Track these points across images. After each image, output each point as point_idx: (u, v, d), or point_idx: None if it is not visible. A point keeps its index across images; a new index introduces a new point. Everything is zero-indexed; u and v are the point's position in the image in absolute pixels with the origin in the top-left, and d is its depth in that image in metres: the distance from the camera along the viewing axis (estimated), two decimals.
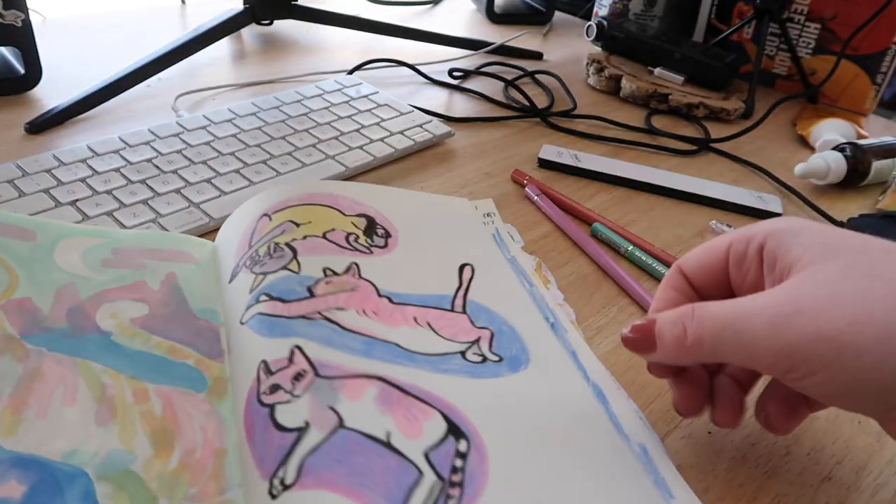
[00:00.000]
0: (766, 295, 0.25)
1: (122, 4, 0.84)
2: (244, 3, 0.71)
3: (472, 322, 0.36)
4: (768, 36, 0.81)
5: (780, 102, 0.75)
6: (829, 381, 0.23)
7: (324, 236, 0.37)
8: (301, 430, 0.27)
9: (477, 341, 0.35)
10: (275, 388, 0.29)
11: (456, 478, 0.27)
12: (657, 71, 0.77)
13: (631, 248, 0.47)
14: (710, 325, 0.26)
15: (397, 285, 0.36)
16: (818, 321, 0.22)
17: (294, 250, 0.36)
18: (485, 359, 0.34)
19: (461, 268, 0.39)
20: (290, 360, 0.30)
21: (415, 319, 0.34)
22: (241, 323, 0.33)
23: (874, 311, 0.22)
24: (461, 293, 0.38)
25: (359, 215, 0.40)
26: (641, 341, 0.29)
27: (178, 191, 0.45)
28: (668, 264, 0.46)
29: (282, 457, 0.26)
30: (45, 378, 0.29)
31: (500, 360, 0.34)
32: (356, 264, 0.36)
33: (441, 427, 0.29)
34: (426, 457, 0.27)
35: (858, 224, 0.52)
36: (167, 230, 0.41)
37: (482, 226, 0.45)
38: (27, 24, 0.54)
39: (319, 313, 0.33)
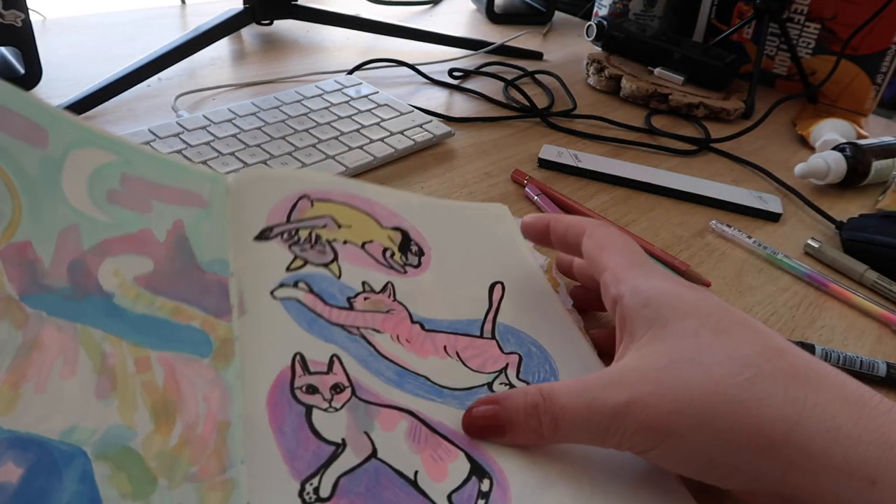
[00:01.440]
0: (609, 377, 0.27)
1: (122, 4, 0.84)
2: (244, 3, 0.71)
3: (500, 348, 0.35)
4: (768, 36, 0.81)
5: (780, 102, 0.75)
6: (662, 457, 0.26)
7: (363, 247, 0.37)
8: (338, 447, 0.27)
9: (505, 369, 0.34)
10: (312, 389, 0.29)
11: None
12: (657, 71, 0.77)
13: None
14: (563, 421, 0.27)
15: (429, 310, 0.36)
16: (647, 411, 0.25)
17: (335, 252, 0.36)
18: (511, 387, 0.33)
19: (492, 287, 0.39)
20: (330, 368, 0.30)
21: (444, 349, 0.34)
22: (274, 297, 0.32)
23: (692, 398, 0.25)
24: (490, 317, 0.37)
25: (394, 228, 0.39)
26: (488, 428, 0.29)
27: None
28: (668, 264, 0.46)
29: (317, 465, 0.27)
30: (44, 348, 0.27)
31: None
32: (392, 284, 0.36)
33: (464, 468, 0.29)
34: (449, 499, 0.27)
35: (858, 224, 0.52)
36: None
37: (519, 236, 0.43)
38: (27, 24, 0.54)
39: (358, 329, 0.33)
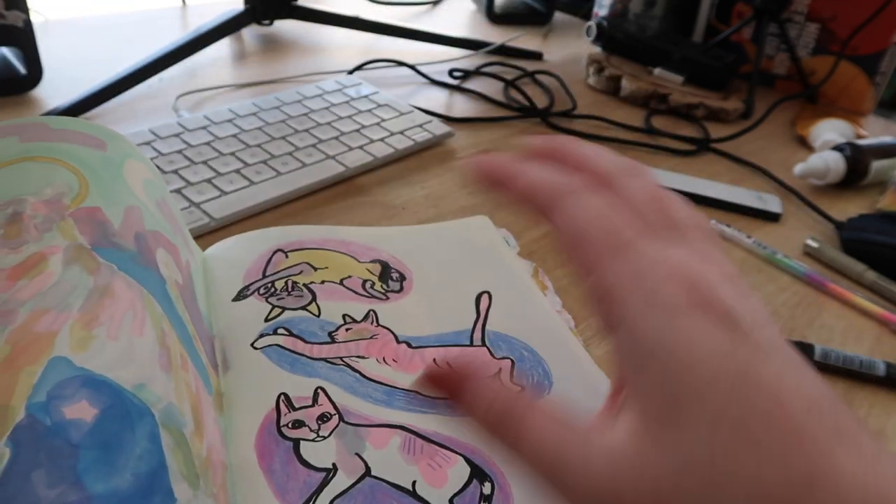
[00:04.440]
0: (597, 444, 0.20)
1: (123, 5, 0.84)
2: (245, 4, 0.71)
3: (492, 354, 0.36)
4: (768, 36, 0.81)
5: (780, 102, 0.75)
6: None
7: (341, 283, 0.38)
8: (328, 472, 0.28)
9: (498, 374, 0.34)
10: (298, 423, 0.29)
11: None
12: (657, 71, 0.77)
13: None
14: (529, 449, 0.21)
15: (416, 328, 0.36)
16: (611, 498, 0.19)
17: (313, 293, 0.37)
18: None
19: (479, 297, 0.39)
20: (315, 400, 0.30)
21: (434, 362, 0.33)
22: (254, 347, 0.33)
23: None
24: (479, 325, 0.37)
25: (373, 261, 0.40)
26: (446, 385, 0.22)
27: (178, 191, 0.45)
28: None
29: (308, 493, 0.27)
30: (115, 297, 0.26)
31: (522, 390, 0.33)
32: (374, 312, 0.37)
33: (465, 472, 0.29)
34: (451, 503, 0.28)
35: (857, 224, 0.53)
36: None
37: (503, 245, 0.44)
38: (28, 25, 0.54)
39: (341, 359, 0.33)
